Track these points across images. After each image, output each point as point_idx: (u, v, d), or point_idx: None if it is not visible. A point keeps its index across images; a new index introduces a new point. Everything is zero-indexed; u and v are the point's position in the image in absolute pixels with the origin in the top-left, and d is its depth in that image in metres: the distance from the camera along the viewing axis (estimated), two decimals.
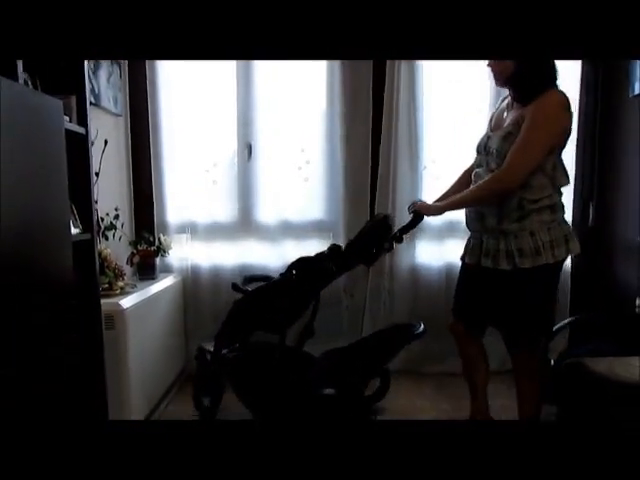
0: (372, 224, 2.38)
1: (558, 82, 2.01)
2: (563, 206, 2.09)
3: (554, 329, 2.34)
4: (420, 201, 2.33)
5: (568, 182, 2.07)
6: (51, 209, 1.63)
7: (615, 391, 1.67)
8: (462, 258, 2.28)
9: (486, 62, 2.07)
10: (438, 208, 2.22)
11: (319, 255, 2.39)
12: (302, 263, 2.41)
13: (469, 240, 2.25)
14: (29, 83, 1.68)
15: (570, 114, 2.01)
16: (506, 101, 2.16)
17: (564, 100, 1.96)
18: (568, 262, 3.20)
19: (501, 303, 2.08)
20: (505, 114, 2.12)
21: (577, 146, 3.19)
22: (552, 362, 2.34)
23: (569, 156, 3.16)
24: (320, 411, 2.24)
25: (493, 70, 2.05)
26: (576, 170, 3.20)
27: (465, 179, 2.29)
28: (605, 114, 3.14)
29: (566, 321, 2.49)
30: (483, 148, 2.12)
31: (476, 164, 2.20)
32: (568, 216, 3.15)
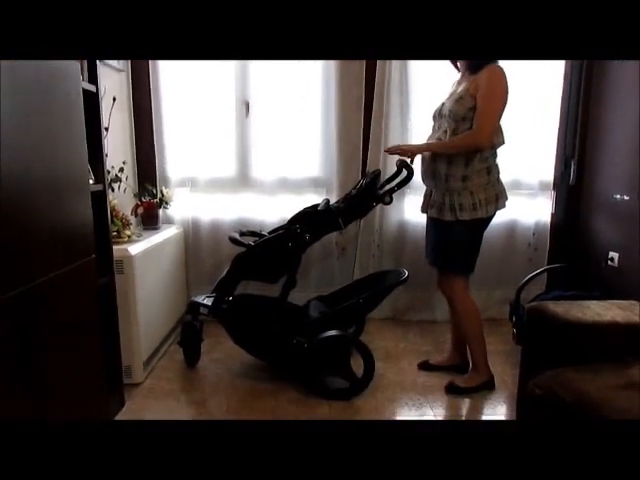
0: (369, 180, 2.54)
1: None
2: (497, 166, 2.39)
3: (526, 279, 2.59)
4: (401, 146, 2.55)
5: (504, 142, 2.37)
6: (73, 162, 1.78)
7: (569, 329, 1.86)
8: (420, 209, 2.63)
9: None
10: (418, 147, 2.47)
11: (326, 209, 2.56)
12: (309, 216, 2.57)
13: (424, 193, 2.60)
14: None
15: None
16: (456, 80, 2.48)
17: (504, 73, 2.26)
18: (548, 218, 3.42)
19: (442, 246, 2.47)
20: (455, 87, 2.43)
21: (561, 106, 3.32)
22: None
23: (553, 115, 3.33)
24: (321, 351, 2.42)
25: None
26: (559, 129, 3.35)
27: None
28: (588, 76, 3.26)
29: (537, 272, 2.71)
30: (438, 113, 2.45)
31: (433, 130, 2.49)
32: (550, 174, 3.38)
